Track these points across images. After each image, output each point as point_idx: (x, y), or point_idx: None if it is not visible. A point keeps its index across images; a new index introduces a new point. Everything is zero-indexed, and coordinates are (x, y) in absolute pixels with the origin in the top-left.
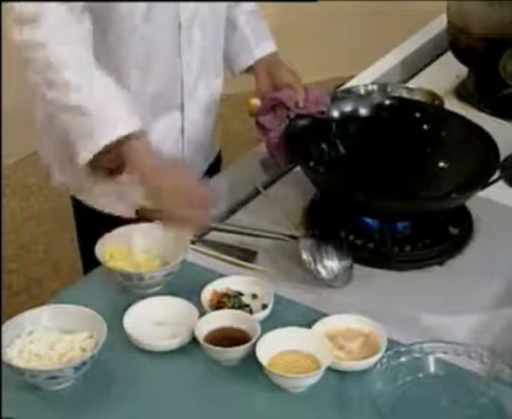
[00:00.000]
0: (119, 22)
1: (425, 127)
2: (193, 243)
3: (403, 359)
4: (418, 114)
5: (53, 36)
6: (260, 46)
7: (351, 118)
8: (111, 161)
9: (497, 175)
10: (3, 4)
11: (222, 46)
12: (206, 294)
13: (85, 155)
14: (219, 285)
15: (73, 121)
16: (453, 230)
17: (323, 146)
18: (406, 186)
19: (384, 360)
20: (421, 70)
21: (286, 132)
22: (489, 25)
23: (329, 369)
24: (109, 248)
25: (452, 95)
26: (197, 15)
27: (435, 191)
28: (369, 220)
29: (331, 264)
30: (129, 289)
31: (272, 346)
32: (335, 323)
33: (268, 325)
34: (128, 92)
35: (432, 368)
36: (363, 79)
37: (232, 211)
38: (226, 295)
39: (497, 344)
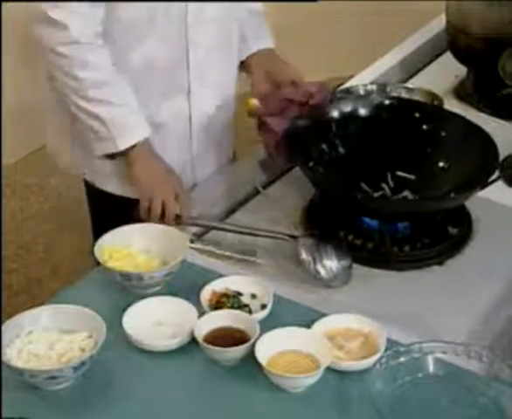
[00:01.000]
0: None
1: (424, 127)
2: (192, 242)
3: (402, 359)
4: (417, 114)
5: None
6: (257, 44)
7: (351, 118)
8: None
9: (496, 174)
10: (3, 4)
11: (235, 37)
12: (205, 294)
13: (101, 151)
14: (218, 285)
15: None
16: (453, 230)
17: (323, 146)
18: (406, 186)
19: (384, 360)
20: (420, 70)
21: (285, 132)
22: (488, 25)
23: (329, 369)
24: (108, 248)
25: (451, 95)
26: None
27: (434, 191)
28: (368, 220)
29: (330, 264)
30: (129, 289)
31: (271, 346)
32: (334, 323)
33: (267, 325)
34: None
35: (431, 368)
36: (363, 79)
37: (232, 211)
38: (225, 295)
39: (496, 344)
